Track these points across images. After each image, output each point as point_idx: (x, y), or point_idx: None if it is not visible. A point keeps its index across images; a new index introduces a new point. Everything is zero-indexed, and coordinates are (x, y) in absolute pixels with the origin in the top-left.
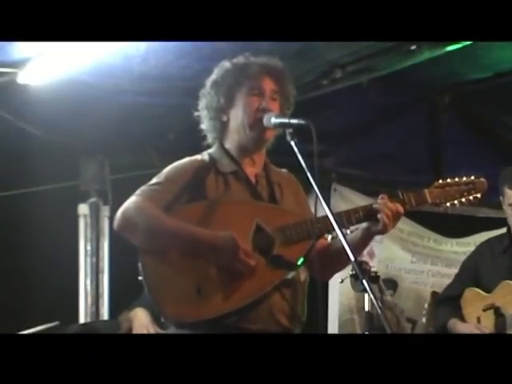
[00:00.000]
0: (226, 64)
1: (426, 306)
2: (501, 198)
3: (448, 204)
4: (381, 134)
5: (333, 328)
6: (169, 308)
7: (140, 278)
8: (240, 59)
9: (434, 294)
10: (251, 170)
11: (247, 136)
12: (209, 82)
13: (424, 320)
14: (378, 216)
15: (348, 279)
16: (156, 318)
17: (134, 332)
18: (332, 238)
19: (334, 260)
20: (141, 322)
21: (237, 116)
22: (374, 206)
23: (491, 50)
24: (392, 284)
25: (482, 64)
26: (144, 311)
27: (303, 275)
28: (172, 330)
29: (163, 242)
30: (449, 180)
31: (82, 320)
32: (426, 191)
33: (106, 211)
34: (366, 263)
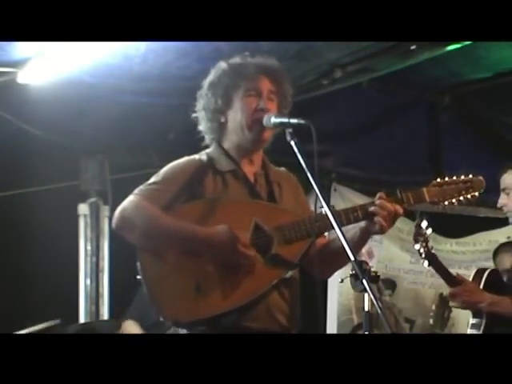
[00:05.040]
0: (222, 65)
1: (433, 307)
2: None
3: (446, 202)
4: (381, 133)
5: (331, 328)
6: (168, 307)
7: (138, 276)
8: (236, 59)
9: (441, 295)
10: (250, 169)
11: (246, 137)
12: (206, 83)
13: (431, 321)
14: (375, 219)
15: (348, 279)
16: (146, 330)
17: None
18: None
19: (333, 258)
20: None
21: (235, 117)
22: (371, 209)
23: (491, 49)
24: (390, 284)
25: (482, 64)
26: (134, 324)
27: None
28: None
29: (161, 241)
30: (447, 178)
31: (82, 320)
32: (424, 190)
33: (105, 211)
34: (366, 263)
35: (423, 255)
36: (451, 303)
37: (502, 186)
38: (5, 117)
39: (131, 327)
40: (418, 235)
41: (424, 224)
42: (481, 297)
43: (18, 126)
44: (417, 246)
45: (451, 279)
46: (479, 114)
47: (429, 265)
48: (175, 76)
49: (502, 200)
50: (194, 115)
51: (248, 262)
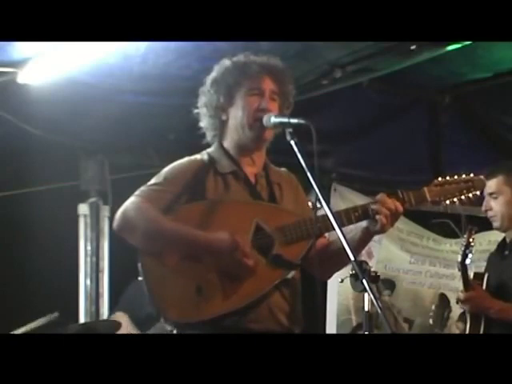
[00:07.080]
0: (226, 62)
1: (433, 307)
2: None
3: (447, 202)
4: (381, 133)
5: (331, 328)
6: (169, 309)
7: (140, 278)
8: (240, 58)
9: (441, 295)
10: (251, 170)
11: (246, 136)
12: (209, 79)
13: (431, 321)
14: (376, 217)
15: (348, 279)
16: (134, 320)
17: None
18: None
19: (333, 259)
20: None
21: (236, 115)
22: (372, 206)
23: (491, 49)
24: (390, 284)
25: (482, 64)
26: (123, 315)
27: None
28: (152, 331)
29: (161, 244)
30: (448, 178)
31: (82, 320)
32: (426, 189)
33: (105, 211)
34: (366, 263)
35: (467, 261)
36: (461, 306)
37: (488, 191)
38: (5, 117)
39: (120, 319)
40: (470, 244)
41: (475, 229)
42: (491, 303)
43: (18, 126)
44: (470, 255)
45: (467, 283)
46: (479, 114)
47: (459, 269)
48: (175, 76)
49: (489, 204)
50: (195, 111)
51: (246, 271)
